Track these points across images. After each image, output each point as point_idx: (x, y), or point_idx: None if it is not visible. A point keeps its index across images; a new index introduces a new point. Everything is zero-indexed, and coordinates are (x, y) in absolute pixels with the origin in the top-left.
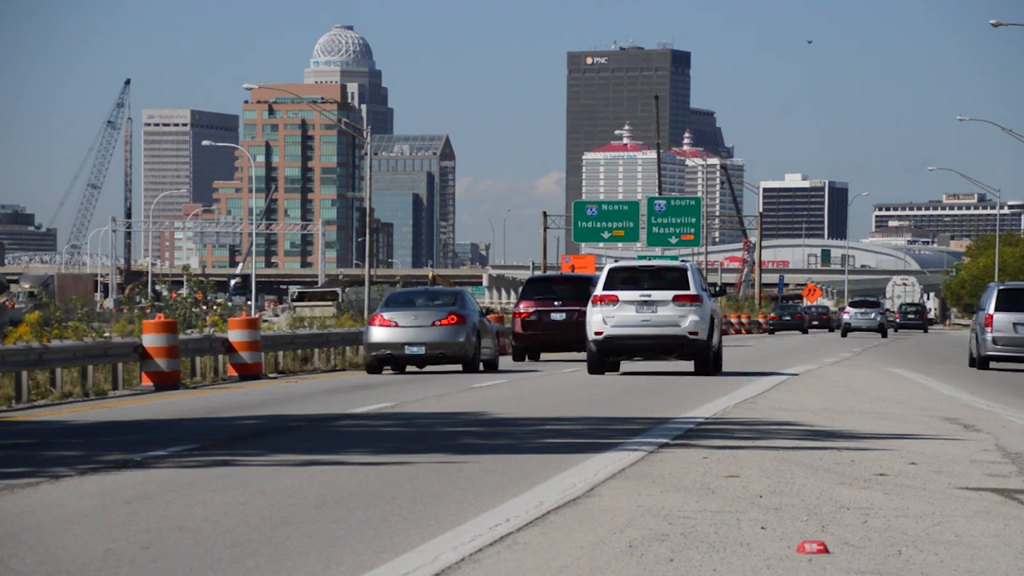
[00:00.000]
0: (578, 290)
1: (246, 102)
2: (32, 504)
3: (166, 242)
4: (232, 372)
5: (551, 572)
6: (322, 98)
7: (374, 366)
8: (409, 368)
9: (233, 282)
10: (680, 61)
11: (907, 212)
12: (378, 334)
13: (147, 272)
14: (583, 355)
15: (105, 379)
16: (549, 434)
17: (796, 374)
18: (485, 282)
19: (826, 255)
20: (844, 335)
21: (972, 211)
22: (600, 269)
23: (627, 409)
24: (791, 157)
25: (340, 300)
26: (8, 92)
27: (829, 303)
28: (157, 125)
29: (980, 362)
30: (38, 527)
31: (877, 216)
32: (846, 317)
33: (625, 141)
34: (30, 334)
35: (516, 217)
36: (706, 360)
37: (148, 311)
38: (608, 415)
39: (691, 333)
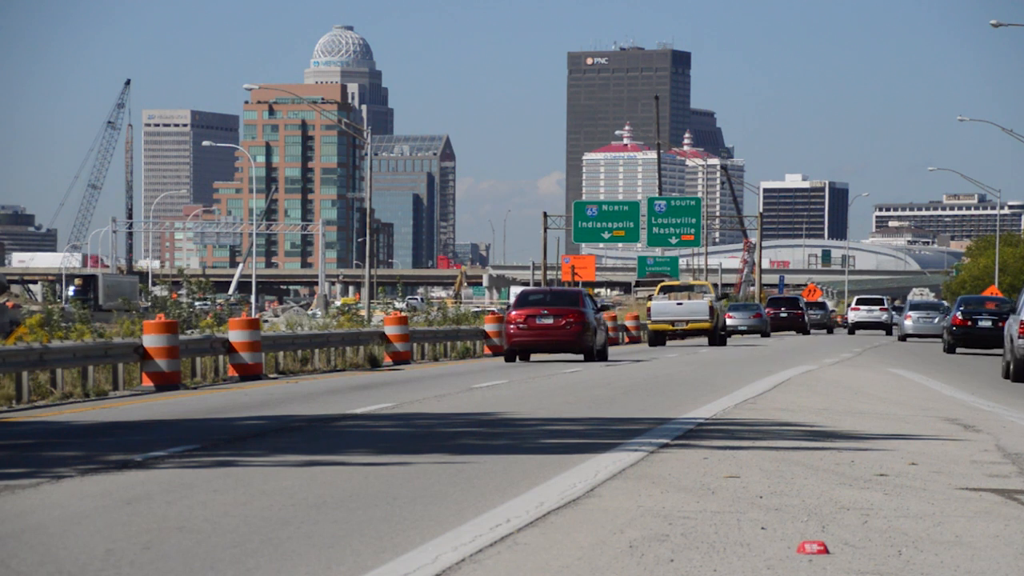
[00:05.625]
0: (791, 303)
1: (246, 102)
2: (33, 504)
3: (166, 243)
4: (232, 372)
5: (551, 572)
6: (322, 98)
7: (723, 337)
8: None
9: (72, 288)
10: (680, 61)
11: (907, 212)
12: (729, 322)
13: (147, 272)
14: (789, 332)
15: (106, 379)
16: (549, 434)
17: (796, 374)
18: (485, 282)
19: (826, 255)
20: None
21: (972, 211)
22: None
23: (627, 409)
24: (791, 157)
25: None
26: (9, 92)
27: (830, 303)
28: (157, 125)
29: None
30: (39, 527)
31: (877, 216)
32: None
33: (625, 141)
34: (30, 335)
35: (516, 217)
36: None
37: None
38: (608, 415)
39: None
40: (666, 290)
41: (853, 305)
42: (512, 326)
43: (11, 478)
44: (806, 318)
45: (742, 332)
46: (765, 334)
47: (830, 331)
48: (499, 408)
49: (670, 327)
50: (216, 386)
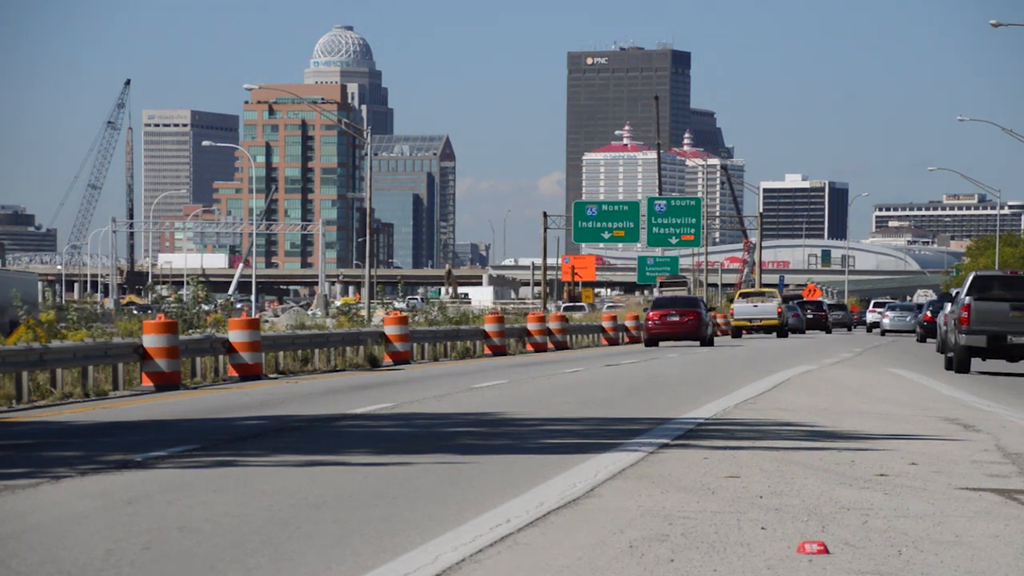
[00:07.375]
0: (816, 306)
1: (246, 102)
2: (33, 504)
3: (166, 242)
4: (232, 372)
5: (552, 572)
6: (322, 98)
7: (787, 332)
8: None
9: None
10: (680, 61)
11: (907, 212)
12: (755, 317)
13: (147, 272)
14: (814, 331)
15: (106, 379)
16: (549, 434)
17: (796, 374)
18: (485, 282)
19: (826, 255)
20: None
21: (972, 211)
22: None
23: (627, 409)
24: (791, 157)
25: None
26: (9, 92)
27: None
28: (157, 125)
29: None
30: (39, 527)
31: (877, 216)
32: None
33: (625, 141)
34: (30, 335)
35: (516, 217)
36: None
37: (148, 311)
38: (608, 415)
39: None
40: (744, 296)
41: (871, 307)
42: (650, 322)
43: (11, 478)
44: (829, 318)
45: None
46: (801, 331)
47: (849, 329)
48: (499, 408)
49: (748, 323)
50: (216, 386)
